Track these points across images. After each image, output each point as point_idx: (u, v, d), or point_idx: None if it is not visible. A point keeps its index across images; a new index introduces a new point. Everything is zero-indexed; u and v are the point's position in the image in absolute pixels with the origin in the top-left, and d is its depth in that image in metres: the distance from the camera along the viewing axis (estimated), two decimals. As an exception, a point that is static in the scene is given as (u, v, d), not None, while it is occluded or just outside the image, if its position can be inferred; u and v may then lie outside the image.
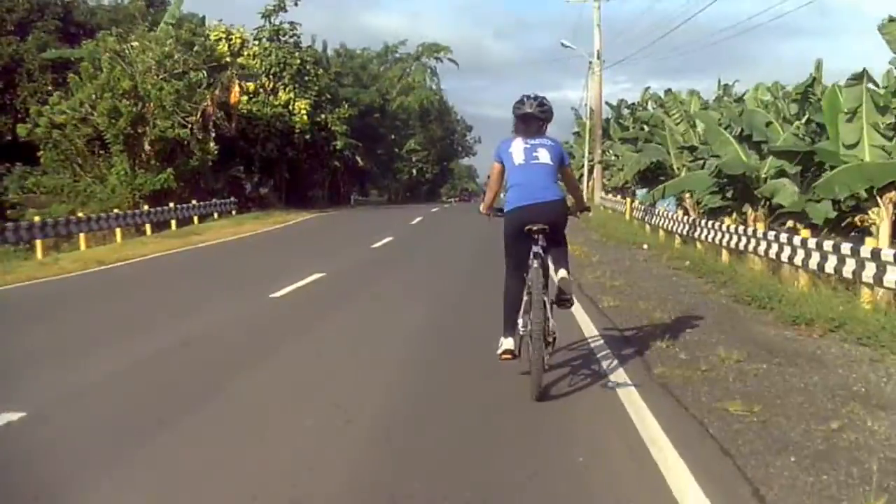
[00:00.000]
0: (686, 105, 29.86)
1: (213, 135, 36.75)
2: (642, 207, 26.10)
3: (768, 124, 18.28)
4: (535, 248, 6.43)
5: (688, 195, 22.92)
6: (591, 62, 44.18)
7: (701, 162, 21.81)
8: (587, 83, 47.13)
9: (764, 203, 18.07)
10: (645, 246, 20.48)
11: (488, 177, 7.27)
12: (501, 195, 7.03)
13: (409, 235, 26.54)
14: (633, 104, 46.97)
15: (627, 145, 38.41)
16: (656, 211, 23.53)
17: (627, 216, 30.71)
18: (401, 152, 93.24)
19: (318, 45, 67.32)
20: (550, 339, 6.55)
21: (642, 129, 34.57)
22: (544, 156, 6.59)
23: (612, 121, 44.78)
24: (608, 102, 45.09)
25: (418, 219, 34.56)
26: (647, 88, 45.54)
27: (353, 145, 63.84)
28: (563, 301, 6.74)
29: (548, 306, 6.45)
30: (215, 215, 35.19)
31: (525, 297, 6.44)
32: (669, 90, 32.06)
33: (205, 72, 37.21)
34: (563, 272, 6.65)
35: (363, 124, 69.89)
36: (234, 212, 37.83)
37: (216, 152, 36.29)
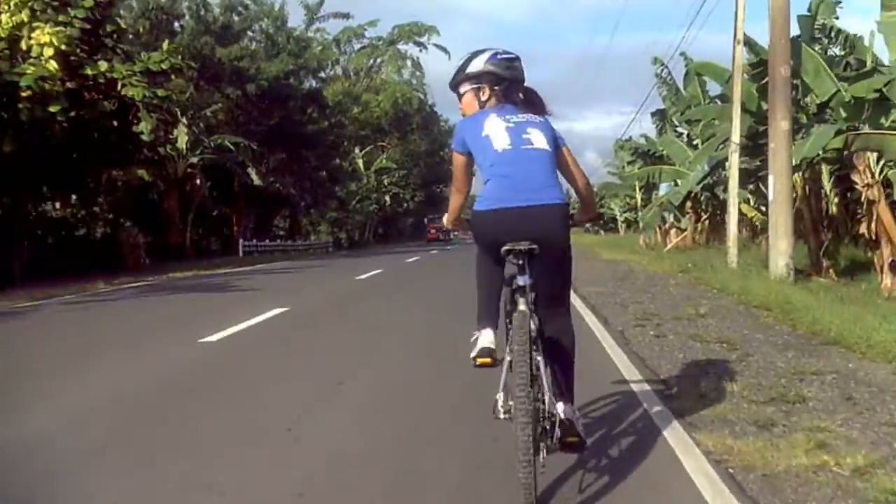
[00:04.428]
0: None
1: None
2: None
3: None
4: (519, 281, 3.87)
5: None
6: None
7: None
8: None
9: None
10: None
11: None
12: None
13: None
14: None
15: None
16: None
17: None
18: (368, 171, 65.60)
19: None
20: (548, 425, 3.74)
21: None
22: (539, 139, 4.03)
23: (806, 51, 16.27)
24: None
25: None
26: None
27: (243, 147, 36.01)
28: (568, 449, 3.88)
29: (543, 372, 3.76)
30: None
31: (507, 357, 3.86)
32: None
33: None
34: (564, 409, 3.88)
35: (286, 119, 41.89)
36: None
37: None
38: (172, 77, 24.75)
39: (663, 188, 29.06)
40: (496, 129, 4.02)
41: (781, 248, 15.20)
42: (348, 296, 14.64)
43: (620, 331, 9.06)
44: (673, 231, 30.18)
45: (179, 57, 25.41)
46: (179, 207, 34.65)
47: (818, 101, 17.26)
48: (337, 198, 52.52)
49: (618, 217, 58.33)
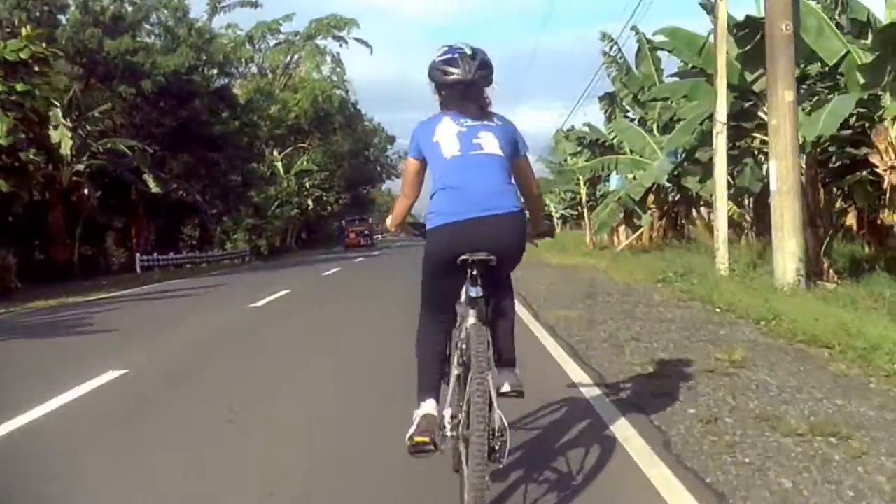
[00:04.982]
0: None
1: None
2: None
3: None
4: (472, 292, 3.70)
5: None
6: None
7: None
8: None
9: None
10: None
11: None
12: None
13: None
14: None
15: None
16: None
17: None
18: (287, 174, 61.78)
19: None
20: (497, 445, 3.49)
21: None
22: (490, 143, 3.82)
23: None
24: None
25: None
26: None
27: (139, 151, 32.03)
28: (509, 393, 3.87)
29: (492, 392, 3.49)
30: None
31: (455, 371, 3.75)
32: None
33: None
34: (508, 377, 3.88)
35: (190, 120, 37.89)
36: None
37: None
38: (36, 69, 20.60)
39: (614, 181, 25.81)
40: (447, 135, 3.83)
41: (789, 250, 12.10)
42: (228, 339, 10.49)
43: (639, 407, 5.55)
44: (622, 229, 26.97)
45: (44, 44, 21.32)
46: (65, 220, 30.36)
47: (812, 67, 14.09)
48: (252, 204, 48.31)
49: (553, 214, 55.11)
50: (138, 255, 34.25)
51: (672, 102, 21.73)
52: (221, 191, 43.10)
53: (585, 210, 31.13)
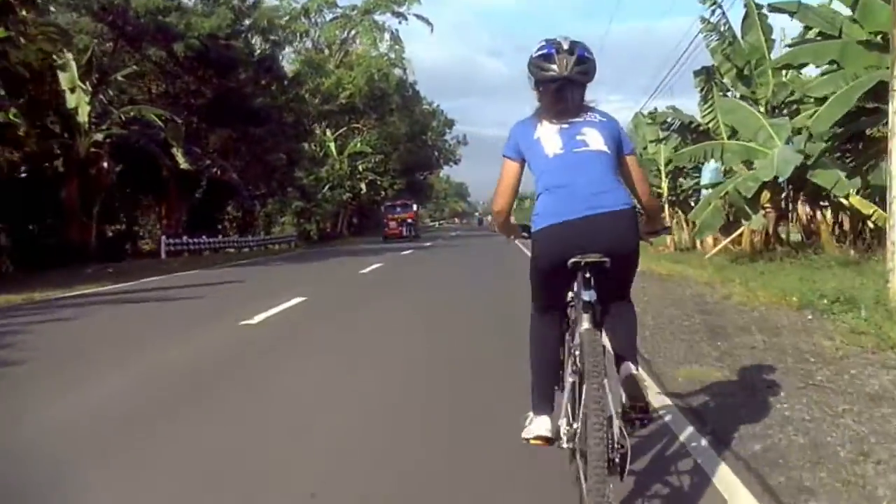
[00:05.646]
0: None
1: None
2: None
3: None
4: (585, 296, 3.50)
5: None
6: None
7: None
8: None
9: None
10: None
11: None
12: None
13: None
14: None
15: None
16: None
17: None
18: (340, 156, 58.82)
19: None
20: (617, 458, 3.24)
21: None
22: (595, 139, 3.68)
23: None
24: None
25: None
26: None
27: (170, 123, 28.94)
28: (634, 417, 3.49)
29: (611, 396, 3.32)
30: None
31: (569, 378, 3.57)
32: None
33: None
34: (628, 367, 3.63)
35: (232, 91, 34.85)
36: None
37: None
38: (24, 13, 17.32)
39: (707, 173, 21.73)
40: (548, 132, 3.71)
41: None
42: (163, 405, 6.81)
43: None
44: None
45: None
46: (82, 196, 27.27)
47: None
48: (300, 186, 45.02)
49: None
50: (164, 238, 31.14)
51: (786, 76, 17.87)
52: (264, 170, 39.90)
53: (666, 205, 27.06)
